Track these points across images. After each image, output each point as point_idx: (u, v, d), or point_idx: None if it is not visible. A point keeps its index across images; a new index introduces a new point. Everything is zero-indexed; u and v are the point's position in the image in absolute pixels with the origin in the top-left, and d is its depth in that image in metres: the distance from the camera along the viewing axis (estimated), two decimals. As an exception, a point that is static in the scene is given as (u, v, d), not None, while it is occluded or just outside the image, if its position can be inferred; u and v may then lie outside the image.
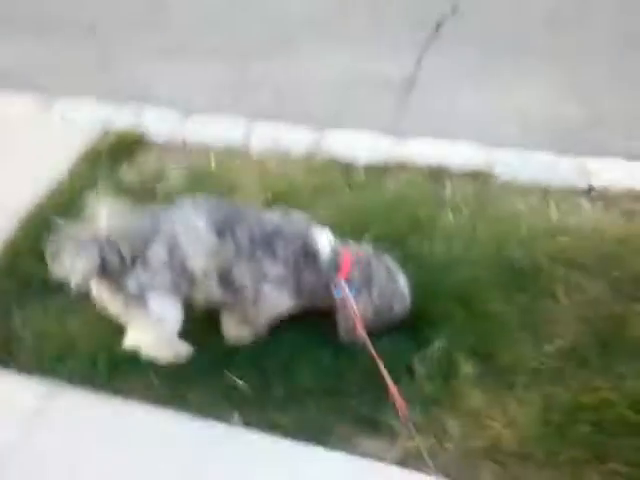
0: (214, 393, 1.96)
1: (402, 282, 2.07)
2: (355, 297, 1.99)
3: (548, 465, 1.73)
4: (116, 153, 2.93)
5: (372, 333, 1.90)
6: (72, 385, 2.01)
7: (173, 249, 1.89)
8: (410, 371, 1.95)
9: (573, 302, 2.12)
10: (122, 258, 1.82)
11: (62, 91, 3.41)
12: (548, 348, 1.99)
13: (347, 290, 2.00)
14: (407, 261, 2.14)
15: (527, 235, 2.31)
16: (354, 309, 1.97)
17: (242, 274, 1.96)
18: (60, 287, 1.84)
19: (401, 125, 3.04)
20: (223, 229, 1.94)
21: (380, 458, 1.79)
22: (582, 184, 2.56)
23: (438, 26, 3.71)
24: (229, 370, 2.00)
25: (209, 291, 1.99)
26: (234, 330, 2.12)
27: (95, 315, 2.00)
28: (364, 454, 1.80)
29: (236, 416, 1.91)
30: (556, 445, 1.75)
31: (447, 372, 1.94)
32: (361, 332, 1.92)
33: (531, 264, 2.19)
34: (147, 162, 2.92)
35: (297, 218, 2.07)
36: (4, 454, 1.86)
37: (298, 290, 2.02)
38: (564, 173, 2.61)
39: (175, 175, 2.79)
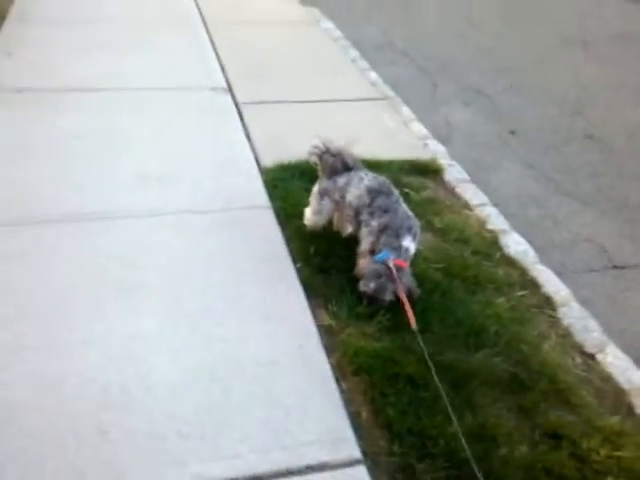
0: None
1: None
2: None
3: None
4: (419, 165, 4.99)
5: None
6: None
7: (347, 184, 3.58)
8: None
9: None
10: (326, 163, 3.64)
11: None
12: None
13: (392, 267, 3.28)
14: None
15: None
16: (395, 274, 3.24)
17: (363, 218, 3.51)
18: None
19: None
20: (372, 192, 3.46)
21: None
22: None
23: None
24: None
25: (349, 216, 3.66)
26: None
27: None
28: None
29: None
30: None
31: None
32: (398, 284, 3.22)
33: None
34: (422, 180, 4.81)
35: (415, 222, 3.46)
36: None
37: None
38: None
39: (421, 195, 4.58)
